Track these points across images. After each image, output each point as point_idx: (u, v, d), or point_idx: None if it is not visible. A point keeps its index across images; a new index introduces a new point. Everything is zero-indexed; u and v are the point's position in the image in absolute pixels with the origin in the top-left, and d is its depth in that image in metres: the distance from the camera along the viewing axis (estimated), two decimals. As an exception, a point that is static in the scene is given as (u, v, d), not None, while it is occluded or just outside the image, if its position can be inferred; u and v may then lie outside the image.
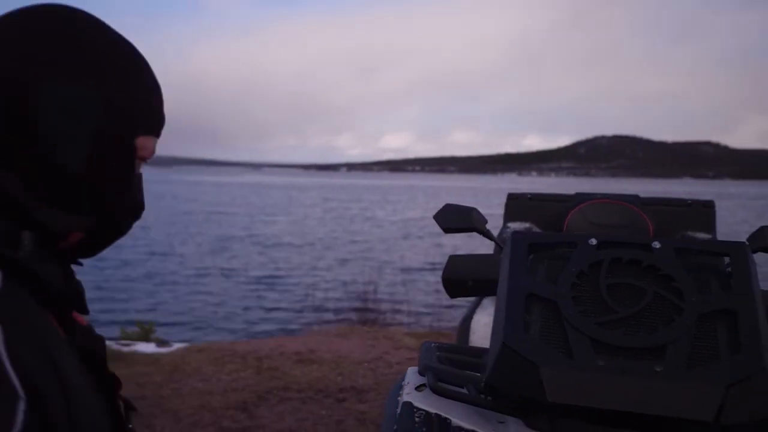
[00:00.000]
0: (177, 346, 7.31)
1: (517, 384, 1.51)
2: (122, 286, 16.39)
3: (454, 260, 2.29)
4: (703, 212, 3.19)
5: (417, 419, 1.78)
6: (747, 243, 1.71)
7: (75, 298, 0.82)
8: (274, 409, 4.70)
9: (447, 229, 2.30)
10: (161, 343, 7.65)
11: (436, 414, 1.77)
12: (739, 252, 1.61)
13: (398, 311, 11.14)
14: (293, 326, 10.87)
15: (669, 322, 1.49)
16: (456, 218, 2.29)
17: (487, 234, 2.28)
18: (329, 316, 10.58)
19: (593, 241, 1.73)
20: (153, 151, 0.85)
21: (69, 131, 0.73)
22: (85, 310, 0.84)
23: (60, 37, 0.73)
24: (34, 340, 0.65)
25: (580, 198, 3.39)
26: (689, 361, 1.41)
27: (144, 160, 0.84)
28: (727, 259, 1.68)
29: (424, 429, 1.74)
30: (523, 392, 1.50)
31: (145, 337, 8.20)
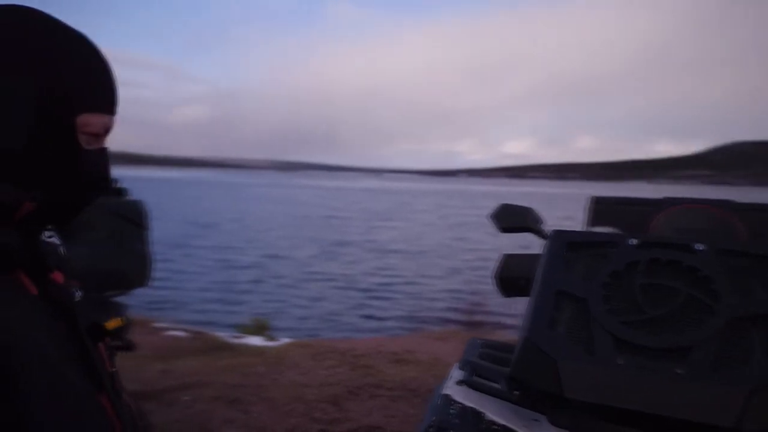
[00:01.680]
0: (283, 341, 7.68)
1: (537, 378, 1.53)
2: (244, 288, 17.35)
3: (507, 259, 2.30)
4: None
5: (452, 412, 1.83)
6: None
7: (36, 259, 0.91)
8: (363, 405, 4.84)
9: (503, 229, 2.32)
10: (270, 337, 8.06)
11: (471, 408, 1.81)
12: (786, 256, 1.54)
13: (504, 318, 11.01)
14: (395, 329, 11.03)
15: (698, 324, 1.45)
16: (512, 218, 2.31)
17: (542, 234, 2.28)
18: (433, 321, 10.64)
19: (633, 241, 1.70)
20: (103, 126, 0.92)
21: (7, 116, 0.83)
22: (45, 271, 0.93)
23: (2, 35, 0.83)
24: None
25: (668, 202, 3.26)
26: (714, 364, 1.37)
27: (95, 135, 0.91)
28: None
29: (457, 421, 1.79)
30: (542, 387, 1.52)
31: (258, 332, 8.65)
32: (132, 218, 3.16)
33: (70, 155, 0.89)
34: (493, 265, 2.42)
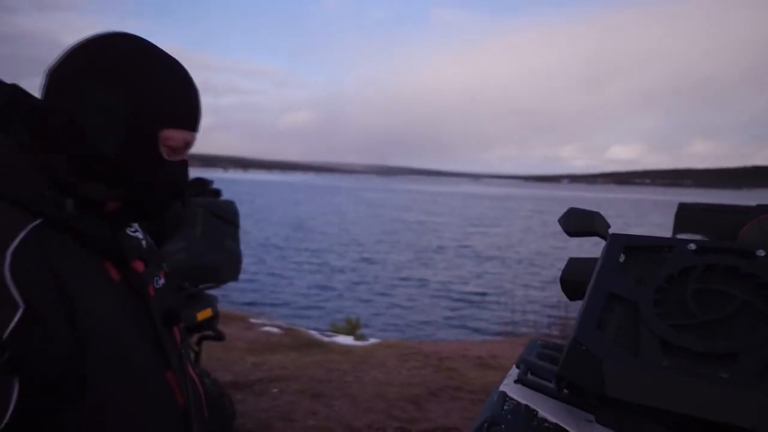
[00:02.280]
0: (371, 341, 7.85)
1: (582, 377, 1.56)
2: (338, 290, 17.81)
3: (572, 263, 2.31)
4: None
5: (506, 408, 1.88)
6: None
7: (117, 250, 1.05)
8: (443, 406, 4.90)
9: (570, 233, 2.33)
10: (359, 337, 8.26)
11: (525, 405, 1.85)
12: None
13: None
14: (484, 335, 10.97)
15: (750, 331, 1.43)
16: (579, 222, 2.31)
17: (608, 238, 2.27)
18: (524, 329, 10.50)
19: (692, 246, 1.69)
20: (184, 142, 1.05)
21: (103, 125, 0.97)
22: (128, 261, 1.07)
23: (104, 59, 0.98)
24: (43, 271, 0.88)
25: (760, 210, 3.13)
26: (761, 370, 1.35)
27: (174, 149, 1.04)
28: None
29: (509, 417, 1.83)
30: (586, 386, 1.54)
31: (349, 332, 8.89)
32: (225, 217, 3.40)
33: (151, 164, 1.03)
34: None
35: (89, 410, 0.93)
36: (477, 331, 13.10)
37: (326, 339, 7.69)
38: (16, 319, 0.83)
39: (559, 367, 1.69)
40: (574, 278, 2.32)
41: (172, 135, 1.03)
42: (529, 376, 1.93)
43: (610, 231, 2.44)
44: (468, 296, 17.47)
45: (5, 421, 0.84)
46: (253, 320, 8.31)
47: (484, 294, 18.05)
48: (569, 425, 1.75)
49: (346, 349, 7.03)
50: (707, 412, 1.37)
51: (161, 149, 1.03)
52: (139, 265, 1.10)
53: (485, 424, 1.91)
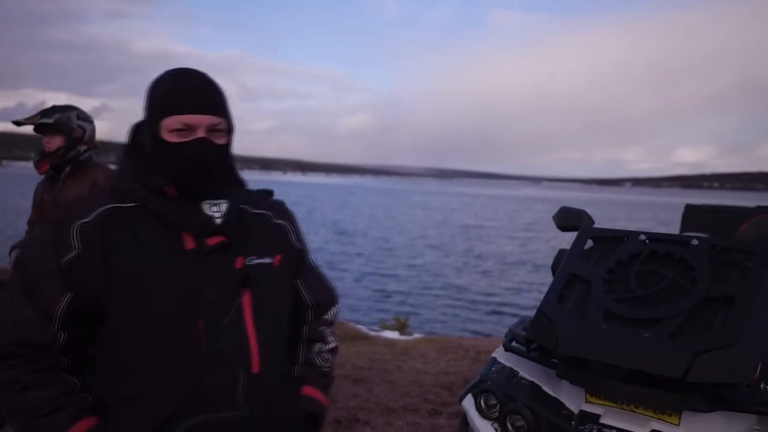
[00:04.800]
0: (415, 335, 8.27)
1: (543, 339, 1.96)
2: (383, 293, 18.32)
3: (562, 253, 2.69)
4: None
5: (494, 369, 2.29)
6: None
7: (189, 224, 1.35)
8: (475, 393, 5.28)
9: (561, 228, 2.71)
10: (405, 333, 8.69)
11: (509, 367, 2.26)
12: (763, 252, 1.84)
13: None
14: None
15: (673, 302, 1.80)
16: (569, 219, 2.69)
17: None
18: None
19: (642, 237, 2.06)
20: (181, 123, 1.31)
21: (145, 133, 1.38)
22: (196, 232, 1.35)
23: (153, 84, 1.37)
24: (99, 233, 1.29)
25: (758, 210, 3.45)
26: (676, 332, 1.73)
27: (179, 131, 1.31)
28: None
29: (495, 376, 2.25)
30: (546, 345, 1.94)
31: (399, 329, 9.31)
32: None
33: (161, 148, 1.33)
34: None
35: (112, 330, 1.28)
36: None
37: (373, 333, 8.14)
38: (71, 255, 1.28)
39: (527, 332, 2.09)
40: (561, 266, 2.71)
41: (167, 122, 1.32)
42: (513, 343, 2.34)
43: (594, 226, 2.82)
44: (508, 300, 17.64)
45: (57, 316, 1.26)
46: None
47: (521, 294, 18.19)
48: (541, 381, 2.15)
49: (390, 342, 7.46)
50: (632, 363, 1.75)
51: (166, 136, 1.32)
52: (214, 239, 1.36)
53: (477, 382, 2.34)
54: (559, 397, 2.03)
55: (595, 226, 2.66)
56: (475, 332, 13.40)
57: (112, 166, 3.60)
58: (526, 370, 2.21)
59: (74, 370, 1.32)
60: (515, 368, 2.25)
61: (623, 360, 1.75)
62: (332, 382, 1.67)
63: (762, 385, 1.74)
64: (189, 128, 1.32)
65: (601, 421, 1.85)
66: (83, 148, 3.28)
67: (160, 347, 1.29)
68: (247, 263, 1.39)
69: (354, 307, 15.60)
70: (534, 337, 2.02)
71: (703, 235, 3.56)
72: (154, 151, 1.34)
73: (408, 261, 25.09)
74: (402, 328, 9.44)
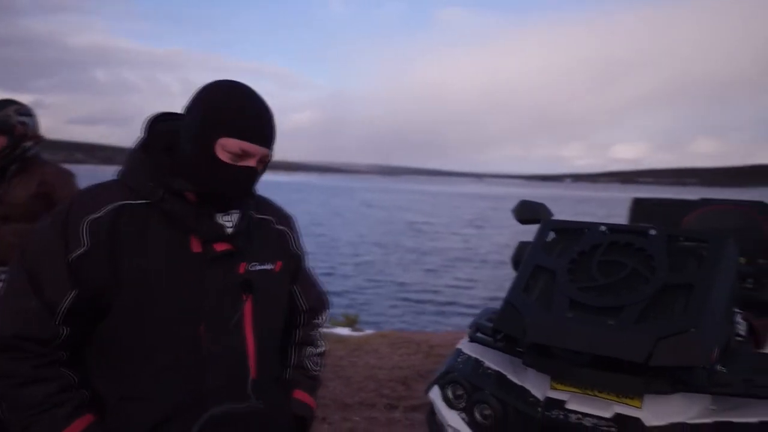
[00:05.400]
0: (367, 331, 8.29)
1: (511, 329, 2.00)
2: (341, 286, 18.27)
3: (521, 245, 2.76)
4: None
5: (460, 360, 2.33)
6: (729, 235, 1.99)
7: (200, 229, 1.34)
8: (429, 386, 5.34)
9: (521, 221, 2.77)
10: (356, 329, 8.71)
11: (474, 358, 2.30)
12: (717, 241, 1.92)
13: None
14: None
15: (634, 290, 1.87)
16: (529, 212, 2.76)
17: None
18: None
19: (603, 228, 2.13)
20: (239, 149, 1.32)
21: (186, 136, 1.34)
22: (205, 237, 1.35)
23: (198, 93, 1.36)
24: (108, 230, 1.27)
25: (701, 203, 3.59)
26: (638, 319, 1.80)
27: (233, 154, 1.32)
28: None
29: (461, 367, 2.28)
30: (514, 335, 1.99)
31: (349, 325, 9.31)
32: None
33: (210, 164, 1.32)
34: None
35: (114, 327, 1.29)
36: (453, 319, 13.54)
37: (324, 330, 8.12)
38: (80, 252, 1.27)
39: (495, 323, 2.14)
40: (521, 258, 2.77)
41: (226, 142, 1.31)
42: (478, 334, 2.38)
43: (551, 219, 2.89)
44: (453, 295, 17.86)
45: (61, 311, 1.25)
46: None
47: (466, 290, 18.45)
48: (506, 370, 2.20)
49: (341, 339, 7.46)
50: (597, 349, 1.81)
51: (220, 154, 1.31)
52: (220, 245, 1.37)
53: (443, 373, 2.37)
54: (524, 385, 2.08)
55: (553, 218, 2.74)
56: (423, 328, 13.52)
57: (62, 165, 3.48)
58: (492, 360, 2.26)
59: (72, 364, 1.32)
60: (480, 358, 2.29)
61: (589, 347, 1.81)
62: (320, 385, 1.71)
63: (718, 367, 1.82)
64: (245, 155, 1.33)
65: (567, 406, 1.91)
66: (29, 144, 3.14)
67: (162, 348, 1.30)
68: (249, 269, 1.41)
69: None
70: (501, 328, 2.07)
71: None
72: (199, 162, 1.33)
73: (354, 259, 25.08)
74: (352, 324, 9.46)
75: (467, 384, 2.20)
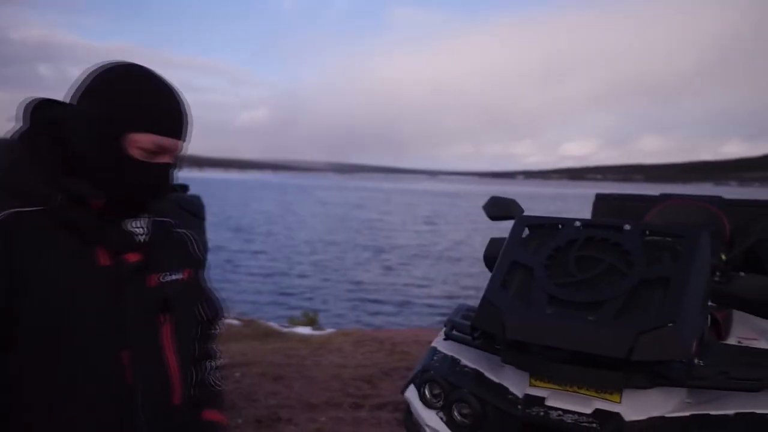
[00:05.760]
0: (329, 330, 8.24)
1: (490, 326, 1.99)
2: (298, 285, 18.11)
3: (493, 242, 2.76)
4: None
5: (436, 359, 2.31)
6: (703, 230, 2.02)
7: (109, 239, 1.15)
8: (395, 384, 5.31)
9: (492, 217, 2.77)
10: (317, 327, 8.64)
11: (450, 356, 2.28)
12: (691, 235, 1.95)
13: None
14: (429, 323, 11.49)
15: (612, 285, 1.88)
16: (499, 208, 2.75)
17: None
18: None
19: (578, 223, 2.13)
20: (153, 144, 1.14)
21: (82, 131, 1.13)
22: (114, 248, 1.16)
23: (95, 79, 1.15)
24: (2, 246, 1.04)
25: (663, 198, 3.66)
26: (618, 314, 1.80)
27: (146, 151, 1.14)
28: None
29: (437, 365, 2.26)
30: (493, 332, 1.97)
31: (308, 324, 9.24)
32: (192, 211, 3.73)
33: (121, 163, 1.13)
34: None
35: (19, 360, 1.06)
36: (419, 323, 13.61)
37: (285, 330, 8.03)
38: None
39: (473, 320, 2.12)
40: (494, 254, 2.76)
41: (139, 138, 1.13)
42: (454, 332, 2.36)
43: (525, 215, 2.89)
44: (410, 292, 17.93)
45: None
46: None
47: (424, 287, 18.54)
48: (484, 368, 2.19)
49: (304, 338, 7.40)
50: (578, 345, 1.81)
51: (132, 151, 1.13)
52: (133, 256, 1.19)
53: (419, 372, 2.34)
54: (503, 383, 2.07)
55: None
56: (382, 326, 13.52)
57: None
58: (469, 358, 2.24)
59: None
60: (457, 356, 2.27)
61: (570, 343, 1.81)
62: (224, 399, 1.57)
63: (696, 361, 1.84)
64: (160, 151, 1.17)
65: (547, 403, 1.90)
66: None
67: (82, 383, 1.12)
68: (161, 280, 1.24)
69: (259, 303, 15.34)
70: (480, 325, 2.05)
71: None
72: (106, 162, 1.13)
73: (310, 258, 24.94)
74: (312, 323, 9.40)
75: (444, 383, 2.18)
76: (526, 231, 2.23)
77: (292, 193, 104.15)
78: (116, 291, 1.15)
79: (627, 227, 2.04)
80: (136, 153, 1.14)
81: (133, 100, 1.14)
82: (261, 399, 4.88)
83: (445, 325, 2.47)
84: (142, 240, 1.22)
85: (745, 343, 2.44)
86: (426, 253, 27.15)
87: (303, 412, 4.68)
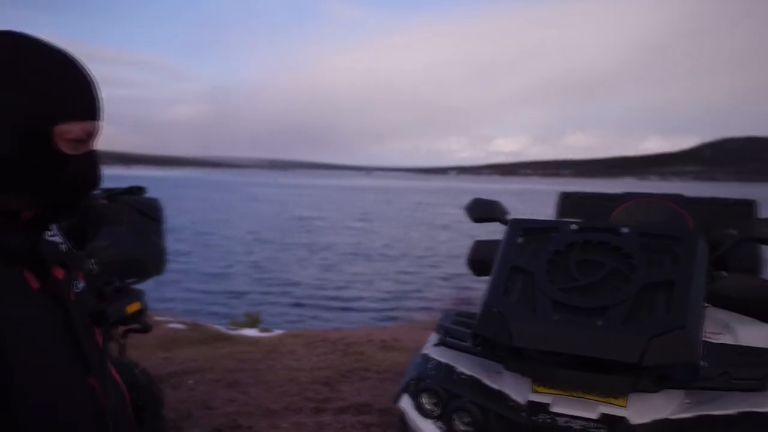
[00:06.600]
0: (277, 332, 8.07)
1: (494, 333, 1.95)
2: (234, 286, 17.74)
3: (478, 244, 2.72)
4: (744, 210, 3.42)
5: (430, 366, 2.25)
6: (700, 231, 2.04)
7: (39, 257, 1.00)
8: (353, 386, 5.24)
9: (475, 219, 2.73)
10: (264, 329, 8.45)
11: (445, 363, 2.23)
12: (689, 237, 1.96)
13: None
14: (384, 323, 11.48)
15: (617, 289, 1.87)
16: (483, 210, 2.72)
17: (507, 223, 2.69)
18: (421, 316, 11.07)
19: (573, 226, 2.12)
20: (83, 132, 0.98)
21: None
22: (47, 268, 1.01)
23: (28, 62, 0.93)
24: None
25: (627, 197, 3.71)
26: (626, 318, 1.79)
27: (77, 141, 0.97)
28: None
29: (433, 373, 2.21)
30: (497, 339, 1.93)
31: (253, 326, 9.03)
32: (149, 214, 3.55)
33: (52, 162, 0.96)
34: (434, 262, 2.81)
35: (14, 417, 0.92)
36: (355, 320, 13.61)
37: (232, 332, 7.82)
38: None
39: (474, 327, 2.07)
40: (479, 258, 2.73)
41: (69, 128, 0.96)
42: (448, 339, 2.31)
43: (509, 217, 2.87)
44: (348, 291, 17.90)
45: None
46: (156, 318, 8.28)
47: (358, 283, 18.55)
48: (482, 375, 2.15)
49: (253, 341, 7.20)
50: (588, 351, 1.79)
51: (60, 145, 0.96)
52: (59, 272, 1.05)
53: (412, 381, 2.27)
54: (503, 390, 2.04)
55: (475, 216, 2.71)
56: (325, 325, 13.39)
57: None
58: (464, 366, 2.19)
59: None
60: (452, 364, 2.22)
61: (579, 349, 1.79)
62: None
63: (702, 363, 1.86)
64: (89, 138, 1.00)
65: (551, 409, 1.88)
66: None
67: (71, 424, 1.01)
68: (74, 290, 1.09)
69: (196, 306, 14.94)
70: (483, 332, 2.00)
71: (577, 219, 3.79)
72: (34, 163, 0.95)
73: (246, 258, 24.46)
74: (254, 324, 9.21)
75: (442, 391, 2.13)
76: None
77: (225, 190, 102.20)
78: (55, 312, 1.02)
79: (625, 230, 2.04)
80: (66, 147, 0.97)
81: (58, 84, 0.95)
82: (218, 406, 4.71)
83: (437, 332, 2.41)
84: (63, 249, 1.08)
85: (712, 338, 2.49)
86: (364, 251, 27.11)
87: (263, 418, 4.54)
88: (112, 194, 3.42)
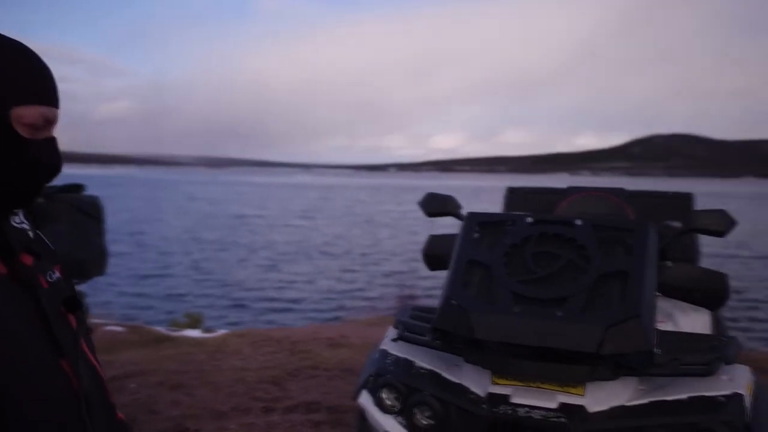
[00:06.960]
0: (220, 332, 7.91)
1: (455, 327, 1.96)
2: (170, 287, 17.30)
3: (432, 239, 2.73)
4: (682, 203, 3.54)
5: (388, 362, 2.24)
6: (650, 223, 2.11)
7: (5, 244, 1.00)
8: (302, 384, 5.20)
9: (429, 214, 2.74)
10: (207, 330, 8.28)
11: (404, 358, 2.23)
12: (641, 229, 2.02)
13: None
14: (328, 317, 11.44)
15: (574, 280, 1.91)
16: (436, 204, 2.73)
17: (461, 217, 2.71)
18: (366, 313, 11.09)
19: (529, 220, 2.15)
20: (40, 117, 1.00)
21: None
22: (14, 254, 1.01)
23: None
24: None
25: (571, 191, 3.79)
26: (583, 308, 1.83)
27: (34, 126, 0.99)
28: None
29: (391, 368, 2.20)
30: (458, 332, 1.95)
31: (194, 326, 8.84)
32: (90, 212, 3.41)
33: (12, 145, 0.97)
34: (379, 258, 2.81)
35: None
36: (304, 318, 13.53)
37: (174, 334, 7.62)
38: None
39: (434, 321, 2.08)
40: (434, 252, 2.74)
41: (25, 112, 0.98)
42: (406, 333, 2.31)
43: (463, 211, 2.89)
44: (293, 290, 17.78)
45: None
46: (94, 320, 7.99)
47: (300, 281, 18.44)
48: (441, 369, 2.15)
49: (197, 342, 7.05)
50: (549, 341, 1.82)
51: (19, 129, 0.98)
52: (27, 258, 1.06)
53: (371, 377, 2.26)
54: (463, 383, 2.05)
55: (433, 210, 2.72)
56: (269, 324, 13.24)
57: None
58: (423, 360, 2.20)
59: None
60: (410, 358, 2.22)
61: (539, 340, 1.82)
62: None
63: (656, 350, 1.92)
64: (47, 123, 1.02)
65: (511, 400, 1.90)
66: None
67: (45, 409, 1.01)
68: (49, 280, 1.10)
69: (135, 308, 14.52)
70: (443, 326, 2.01)
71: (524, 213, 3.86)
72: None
73: (183, 258, 23.92)
74: (196, 324, 9.03)
75: (402, 386, 2.12)
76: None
77: (160, 188, 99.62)
78: (34, 299, 1.03)
79: (578, 222, 2.08)
80: (24, 131, 0.98)
81: (11, 68, 0.98)
82: (163, 410, 4.58)
83: (395, 327, 2.41)
84: (31, 236, 1.08)
85: (659, 326, 2.58)
86: (305, 249, 26.94)
87: (211, 420, 4.45)
88: (50, 192, 3.26)
